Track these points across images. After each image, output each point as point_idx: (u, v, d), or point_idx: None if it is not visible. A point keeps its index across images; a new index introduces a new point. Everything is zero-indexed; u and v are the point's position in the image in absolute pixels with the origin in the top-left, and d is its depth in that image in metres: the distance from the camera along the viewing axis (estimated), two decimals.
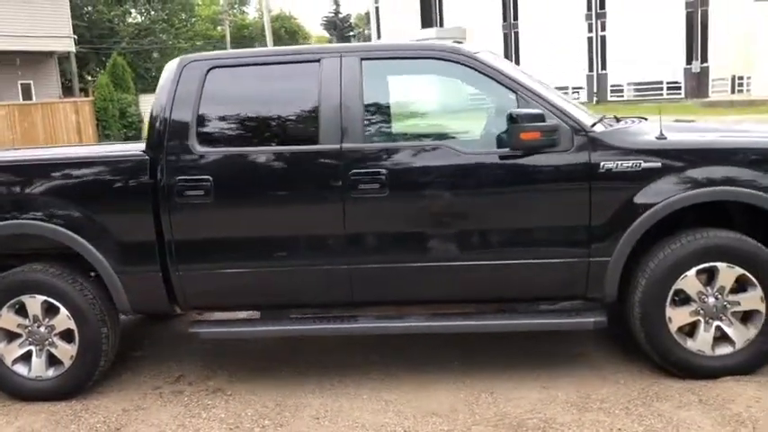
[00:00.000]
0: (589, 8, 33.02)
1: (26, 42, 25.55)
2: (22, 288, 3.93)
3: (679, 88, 30.53)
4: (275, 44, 38.34)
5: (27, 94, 27.19)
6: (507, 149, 3.68)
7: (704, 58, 30.10)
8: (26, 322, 3.96)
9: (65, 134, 21.99)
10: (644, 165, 3.63)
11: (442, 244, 3.79)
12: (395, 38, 33.04)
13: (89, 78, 37.94)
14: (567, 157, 3.67)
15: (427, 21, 38.07)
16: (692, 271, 3.66)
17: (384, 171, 3.72)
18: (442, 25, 37.05)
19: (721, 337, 3.72)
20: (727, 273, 3.65)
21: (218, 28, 52.09)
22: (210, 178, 3.79)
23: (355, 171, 3.72)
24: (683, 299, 3.71)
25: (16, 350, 3.99)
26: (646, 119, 4.33)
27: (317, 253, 3.82)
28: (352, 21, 67.31)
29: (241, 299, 4.00)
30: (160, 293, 3.92)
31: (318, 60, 3.88)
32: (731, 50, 28.10)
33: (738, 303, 3.69)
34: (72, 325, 3.92)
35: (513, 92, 3.78)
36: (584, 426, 3.37)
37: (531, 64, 33.03)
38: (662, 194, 3.61)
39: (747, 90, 28.23)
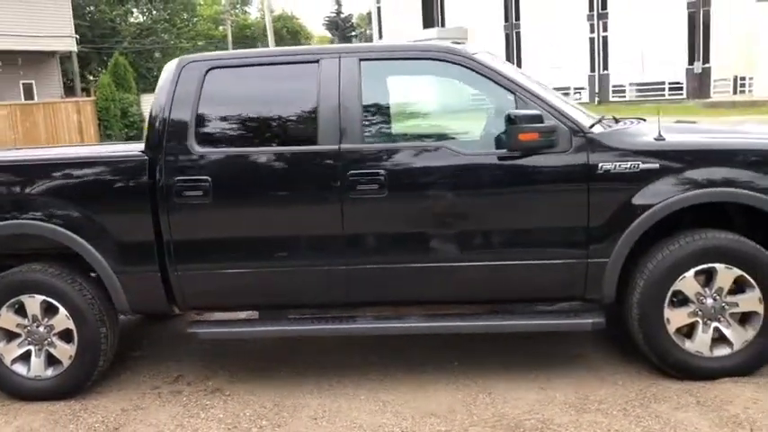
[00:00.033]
0: (591, 8, 33.00)
1: (28, 42, 25.59)
2: (22, 288, 3.94)
3: (681, 89, 30.49)
4: (277, 44, 38.36)
5: (29, 93, 27.23)
6: (505, 150, 3.68)
7: (706, 59, 30.07)
8: (25, 322, 3.97)
9: (66, 134, 22.02)
10: (642, 166, 3.63)
11: (441, 245, 3.79)
12: (396, 38, 33.06)
13: (91, 78, 38.00)
14: (566, 158, 3.67)
15: (429, 21, 38.08)
16: (691, 272, 3.66)
17: (382, 172, 3.72)
18: (443, 25, 37.06)
19: (719, 339, 3.72)
20: (726, 274, 3.65)
21: (220, 28, 52.13)
22: (209, 179, 3.80)
23: (354, 172, 3.73)
24: (681, 300, 3.71)
25: (15, 350, 4.00)
26: (644, 120, 4.33)
27: (316, 253, 3.83)
28: (353, 21, 67.31)
29: (239, 299, 4.00)
30: (159, 293, 3.92)
31: (317, 61, 3.88)
32: (733, 51, 28.07)
33: (737, 305, 3.68)
34: (71, 325, 3.93)
35: (512, 93, 3.78)
36: (581, 427, 3.37)
37: (532, 64, 33.05)
38: (660, 195, 3.61)
39: (749, 91, 28.20)
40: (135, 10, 44.64)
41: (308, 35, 60.68)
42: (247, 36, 52.16)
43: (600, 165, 3.64)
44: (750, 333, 3.70)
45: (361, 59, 3.87)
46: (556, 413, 3.52)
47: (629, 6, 30.66)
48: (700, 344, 3.71)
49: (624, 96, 31.48)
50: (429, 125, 4.78)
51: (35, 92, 27.47)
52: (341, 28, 65.76)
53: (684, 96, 29.83)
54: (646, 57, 29.82)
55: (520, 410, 3.57)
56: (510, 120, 3.60)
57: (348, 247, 3.79)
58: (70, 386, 3.99)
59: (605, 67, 32.81)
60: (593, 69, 33.16)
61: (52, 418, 3.80)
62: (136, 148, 4.14)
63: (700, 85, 29.94)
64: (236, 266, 3.86)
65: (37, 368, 3.98)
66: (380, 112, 4.10)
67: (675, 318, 3.70)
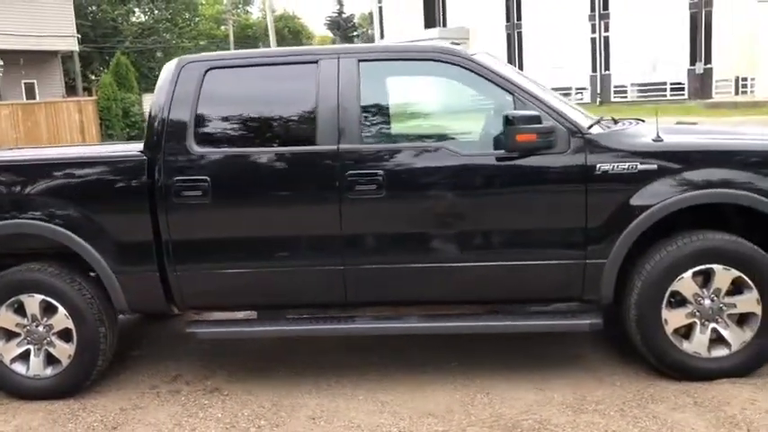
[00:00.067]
0: (592, 9, 32.97)
1: (30, 41, 25.64)
2: (21, 287, 3.95)
3: (682, 89, 30.48)
4: (279, 44, 38.39)
5: (31, 93, 27.29)
6: (503, 151, 3.68)
7: (708, 59, 30.05)
8: (25, 321, 3.98)
9: (68, 133, 22.05)
10: (640, 167, 3.64)
11: (439, 245, 3.80)
12: (398, 38, 33.06)
13: (93, 78, 38.06)
14: (564, 159, 3.67)
15: (430, 21, 38.08)
16: (689, 273, 3.66)
17: (381, 172, 3.73)
18: (445, 25, 37.06)
19: (717, 340, 3.72)
20: (724, 275, 3.65)
21: (222, 27, 52.20)
22: (208, 179, 3.80)
23: (352, 172, 3.73)
24: (679, 301, 3.71)
25: (15, 349, 4.01)
26: (643, 121, 4.33)
27: (314, 253, 3.84)
28: (355, 21, 67.33)
29: (238, 299, 4.01)
30: (157, 293, 3.93)
31: (316, 62, 3.89)
32: (735, 51, 28.05)
33: (734, 306, 3.69)
34: (70, 324, 3.94)
35: (510, 93, 3.79)
36: (578, 427, 3.38)
37: (534, 64, 33.05)
38: (658, 196, 3.62)
39: (751, 91, 28.17)
40: (137, 9, 44.73)
41: (310, 35, 60.75)
42: (249, 36, 52.22)
43: (598, 166, 3.65)
44: (748, 334, 3.70)
45: (359, 60, 3.88)
46: (553, 413, 3.52)
47: (631, 6, 30.64)
48: (697, 345, 3.71)
49: (626, 97, 31.46)
50: (427, 126, 4.79)
51: (37, 91, 27.52)
52: (342, 28, 65.78)
53: (686, 97, 29.81)
54: (648, 57, 29.80)
55: (517, 411, 3.57)
56: (508, 120, 3.60)
57: (346, 247, 3.80)
58: (69, 385, 4.00)
59: (607, 68, 32.79)
60: (594, 70, 33.14)
61: (51, 417, 3.81)
62: (135, 148, 4.15)
63: (701, 85, 29.92)
64: (235, 266, 3.87)
65: (36, 367, 3.99)
66: (379, 112, 4.10)
67: (673, 319, 3.71)
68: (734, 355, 3.71)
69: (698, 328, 3.71)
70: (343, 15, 66.58)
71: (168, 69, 4.02)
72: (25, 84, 27.30)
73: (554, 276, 3.77)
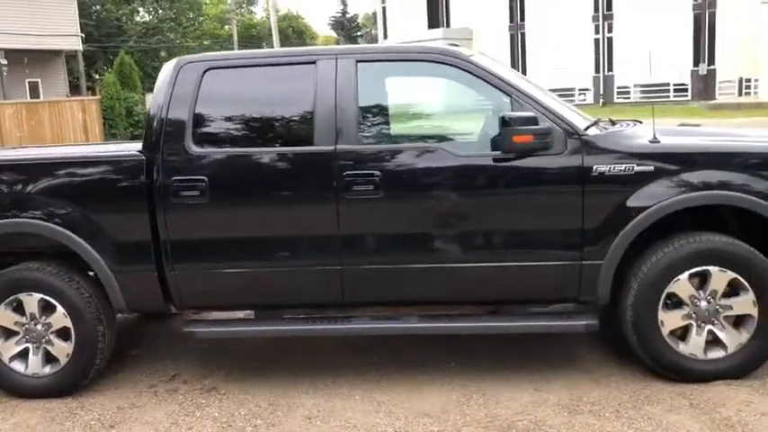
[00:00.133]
0: (596, 10, 32.96)
1: (34, 41, 25.73)
2: (20, 286, 3.97)
3: (686, 90, 30.44)
4: (282, 44, 38.40)
5: (34, 92, 27.37)
6: (500, 152, 3.69)
7: (711, 61, 30.00)
8: (23, 320, 4.00)
9: (71, 133, 22.09)
10: (637, 168, 3.64)
11: (436, 246, 3.80)
12: (401, 38, 33.06)
13: (96, 77, 38.14)
14: (560, 161, 3.68)
15: (434, 21, 38.09)
16: (685, 275, 3.67)
17: (378, 173, 3.74)
18: (448, 26, 37.07)
19: (713, 341, 3.73)
20: (720, 277, 3.65)
21: (226, 27, 52.27)
22: (206, 179, 3.82)
23: (349, 172, 3.74)
24: (675, 302, 3.72)
25: (13, 347, 4.03)
26: (641, 122, 4.33)
27: (312, 253, 3.85)
28: (359, 21, 67.36)
29: (236, 299, 4.02)
30: (156, 293, 3.95)
31: (314, 62, 3.90)
32: (738, 52, 28.00)
33: (731, 307, 3.69)
34: (68, 323, 3.95)
35: (507, 95, 3.79)
36: (573, 428, 3.38)
37: (537, 65, 33.06)
38: (654, 198, 3.62)
39: (755, 92, 28.13)
40: (141, 9, 44.83)
41: (314, 35, 60.78)
42: (253, 36, 52.30)
43: (595, 167, 3.65)
44: (744, 336, 3.70)
45: (357, 61, 3.89)
46: (548, 414, 3.53)
47: (635, 7, 30.61)
48: (694, 346, 3.72)
49: (629, 98, 31.43)
50: (425, 126, 4.80)
51: (41, 90, 27.61)
52: (346, 28, 65.83)
53: (689, 98, 29.78)
54: (651, 58, 29.77)
55: (513, 411, 3.58)
56: (504, 122, 3.61)
57: (344, 247, 3.81)
58: (67, 384, 4.02)
59: (610, 69, 32.77)
60: (597, 70, 33.13)
61: (49, 415, 3.83)
62: (134, 148, 4.16)
63: (705, 86, 29.88)
64: (233, 266, 3.89)
65: (35, 366, 4.01)
66: (377, 113, 4.11)
67: (669, 320, 3.71)
68: (730, 357, 3.71)
69: (694, 329, 3.72)
70: (347, 15, 66.64)
71: (167, 69, 4.04)
72: (29, 83, 27.39)
73: (550, 277, 3.77)
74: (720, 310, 3.69)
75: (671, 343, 3.72)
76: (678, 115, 18.59)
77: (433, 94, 4.78)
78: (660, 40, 29.59)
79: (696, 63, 30.36)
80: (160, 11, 44.86)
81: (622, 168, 3.64)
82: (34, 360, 4.01)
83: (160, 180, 3.84)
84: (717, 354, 3.72)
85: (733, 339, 3.70)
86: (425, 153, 3.81)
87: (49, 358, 4.02)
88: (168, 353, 4.67)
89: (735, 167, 3.67)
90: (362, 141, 3.85)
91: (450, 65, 3.84)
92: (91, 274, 4.05)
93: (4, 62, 24.90)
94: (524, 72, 33.33)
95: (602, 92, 32.69)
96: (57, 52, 27.99)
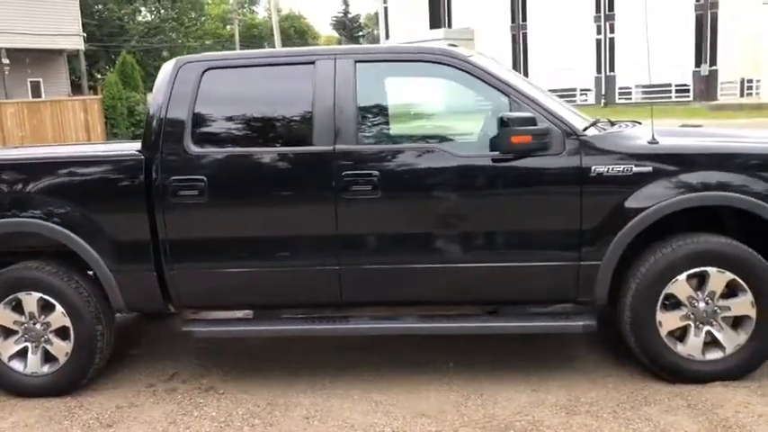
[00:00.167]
0: (598, 10, 32.95)
1: (35, 40, 25.75)
2: (19, 285, 3.98)
3: (688, 91, 30.42)
4: (284, 44, 38.45)
5: (36, 91, 27.40)
6: (498, 153, 3.69)
7: (713, 61, 29.98)
8: (22, 319, 4.01)
9: (73, 132, 22.11)
10: (635, 169, 3.64)
11: (435, 246, 3.81)
12: (404, 38, 33.07)
13: (98, 76, 38.16)
14: (559, 161, 3.68)
15: (436, 21, 38.10)
16: (683, 275, 3.67)
17: (377, 173, 3.74)
18: (450, 26, 37.07)
19: (711, 342, 3.72)
20: (718, 278, 3.65)
21: (228, 27, 52.30)
22: (205, 178, 3.82)
23: (348, 173, 3.75)
24: (673, 303, 3.72)
25: (12, 346, 4.04)
26: (640, 123, 4.33)
27: (310, 253, 3.85)
28: (361, 21, 67.36)
29: (233, 298, 4.03)
30: (154, 292, 3.95)
31: (313, 62, 3.91)
32: (740, 53, 27.98)
33: (729, 308, 3.69)
34: (67, 322, 3.96)
35: (506, 95, 3.79)
36: (571, 428, 3.39)
37: (539, 65, 33.05)
38: (652, 199, 3.62)
39: (756, 93, 28.11)
40: (143, 9, 44.86)
41: (316, 35, 60.82)
42: (255, 35, 52.33)
43: (593, 167, 3.65)
44: (742, 337, 3.70)
45: (356, 61, 3.89)
46: (546, 415, 3.53)
47: (636, 8, 30.57)
48: (692, 347, 3.72)
49: (630, 98, 31.41)
50: (424, 127, 4.81)
51: (42, 90, 27.64)
52: (348, 28, 65.83)
53: (691, 99, 29.76)
54: (652, 59, 29.71)
55: (510, 412, 3.58)
56: (503, 122, 3.61)
57: (342, 247, 3.81)
58: (66, 383, 4.03)
59: (612, 69, 32.75)
60: (599, 71, 33.11)
61: (47, 414, 3.84)
62: (133, 148, 4.17)
63: (707, 87, 29.86)
64: (231, 266, 3.89)
65: (33, 365, 4.02)
66: (376, 113, 4.11)
67: (667, 321, 3.71)
68: (728, 358, 3.71)
69: (692, 330, 3.72)
70: (349, 15, 66.63)
71: (166, 69, 4.05)
72: (31, 82, 27.42)
73: (549, 278, 3.77)
74: (718, 310, 3.69)
75: (669, 344, 3.72)
76: (680, 116, 18.58)
77: (432, 94, 4.78)
78: (662, 40, 29.52)
79: (698, 64, 30.34)
80: (162, 10, 44.89)
81: (621, 169, 3.64)
82: (33, 359, 4.02)
83: (159, 180, 3.85)
84: (715, 355, 3.72)
85: (731, 340, 3.70)
86: (424, 153, 3.81)
87: (48, 357, 4.03)
88: (167, 352, 4.67)
89: (733, 168, 3.67)
90: (361, 141, 3.85)
91: (449, 65, 3.84)
92: (90, 273, 4.06)
93: (6, 61, 24.93)
94: (526, 72, 33.35)
95: (603, 92, 32.68)
96: (59, 52, 28.02)
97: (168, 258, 3.89)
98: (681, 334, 3.74)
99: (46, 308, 3.98)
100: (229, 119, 4.05)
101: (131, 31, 41.26)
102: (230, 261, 3.90)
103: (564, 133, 3.70)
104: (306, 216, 3.84)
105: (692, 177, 3.65)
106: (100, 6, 40.42)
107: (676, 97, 30.08)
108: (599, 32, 33.07)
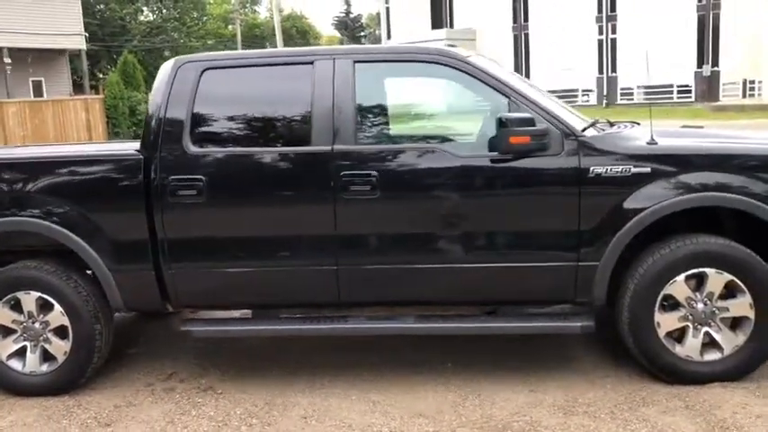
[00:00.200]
0: (600, 10, 32.93)
1: (37, 40, 25.77)
2: (17, 284, 3.98)
3: (690, 92, 30.39)
4: (286, 44, 38.46)
5: (38, 90, 27.43)
6: (497, 153, 3.69)
7: (715, 62, 29.95)
8: (21, 318, 4.01)
9: (75, 131, 22.13)
10: (634, 170, 3.64)
11: (433, 246, 3.80)
12: (406, 39, 33.09)
13: (100, 76, 38.20)
14: (557, 162, 3.68)
15: (437, 22, 38.11)
16: (681, 276, 3.66)
17: (375, 173, 3.74)
18: (452, 26, 37.08)
19: (710, 343, 3.72)
20: (717, 279, 3.65)
21: (230, 27, 52.33)
22: (203, 178, 3.83)
23: (347, 173, 3.75)
24: (671, 304, 3.71)
25: (11, 345, 4.04)
26: (638, 123, 4.33)
27: (308, 253, 3.85)
28: (363, 21, 67.36)
29: (232, 298, 4.03)
30: (153, 291, 3.96)
31: (312, 63, 3.91)
32: (742, 54, 27.95)
33: (727, 309, 3.69)
34: (66, 321, 3.97)
35: (505, 96, 3.79)
36: (568, 429, 3.38)
37: (540, 66, 33.04)
38: (651, 200, 3.62)
39: (758, 94, 28.09)
40: (145, 8, 44.89)
41: (318, 35, 60.85)
42: (256, 35, 52.34)
43: (591, 168, 3.65)
44: (740, 338, 3.70)
45: (355, 61, 3.89)
46: (544, 415, 3.53)
47: (639, 9, 30.56)
48: (690, 348, 3.72)
49: (632, 99, 31.39)
50: (422, 127, 4.81)
51: (44, 89, 27.67)
52: (350, 28, 65.82)
53: (693, 99, 29.73)
54: (654, 60, 29.72)
55: (508, 412, 3.58)
56: (501, 123, 3.61)
57: (340, 247, 3.81)
58: (64, 382, 4.03)
59: (614, 70, 32.73)
60: (601, 71, 33.09)
61: (46, 413, 3.84)
62: (132, 147, 4.18)
63: (709, 88, 29.83)
64: (229, 265, 3.89)
65: (32, 364, 4.03)
66: (374, 113, 4.12)
67: (666, 322, 3.71)
68: (726, 359, 3.71)
69: (690, 331, 3.71)
70: (351, 15, 66.62)
71: (165, 69, 4.05)
72: (33, 81, 27.44)
73: (547, 278, 3.77)
74: (717, 311, 3.68)
75: (667, 344, 3.72)
76: (681, 117, 18.56)
77: (431, 94, 4.78)
78: (664, 41, 29.52)
79: (700, 64, 30.31)
80: (164, 10, 44.92)
81: (619, 170, 3.64)
82: (32, 358, 4.03)
83: (158, 179, 3.85)
84: (713, 356, 3.72)
85: (729, 341, 3.70)
86: (423, 153, 3.81)
87: (47, 356, 4.03)
88: (167, 352, 4.68)
89: (731, 169, 3.67)
90: (360, 141, 3.85)
91: (448, 65, 3.84)
92: (89, 272, 4.06)
93: (8, 61, 24.96)
94: (527, 73, 33.35)
95: (605, 93, 32.65)
96: (60, 51, 28.05)
97: (167, 258, 3.90)
98: (679, 335, 3.74)
99: (44, 307, 3.99)
100: (228, 119, 4.06)
101: (133, 31, 41.28)
102: (229, 261, 3.90)
103: (562, 134, 3.69)
104: (304, 216, 3.85)
105: (691, 178, 3.64)
106: (102, 6, 40.46)
107: (678, 98, 30.05)
108: (601, 33, 33.05)
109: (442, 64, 3.84)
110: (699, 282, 3.68)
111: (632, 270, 3.73)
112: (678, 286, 3.67)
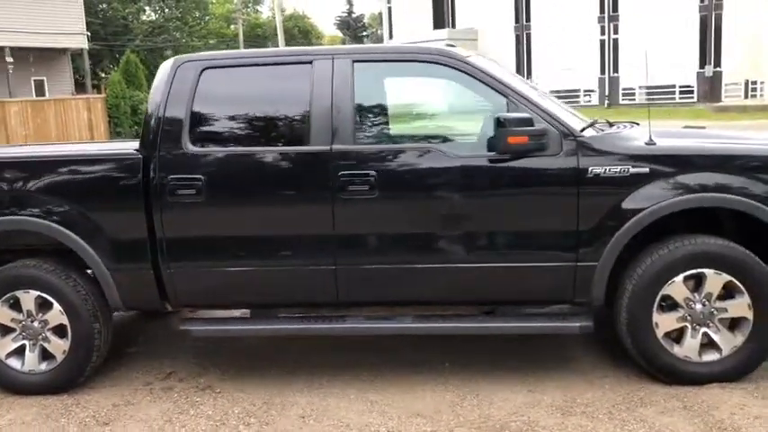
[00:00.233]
0: (602, 11, 32.87)
1: (39, 39, 25.79)
2: (17, 283, 3.99)
3: (692, 92, 30.33)
4: (288, 43, 38.48)
5: (40, 90, 27.46)
6: (495, 153, 3.69)
7: (717, 63, 29.90)
8: (20, 317, 4.02)
9: (77, 131, 22.16)
10: (632, 170, 3.63)
11: (431, 246, 3.80)
12: (408, 38, 33.08)
13: (102, 75, 38.25)
14: (556, 162, 3.68)
15: (439, 22, 38.08)
16: (680, 277, 3.66)
17: (374, 173, 3.74)
18: (454, 26, 37.06)
19: (708, 344, 3.72)
20: (715, 279, 3.65)
21: (232, 27, 52.34)
22: (202, 177, 3.83)
23: (345, 172, 3.75)
24: (670, 305, 3.71)
25: (10, 344, 4.05)
26: (638, 124, 4.33)
27: (307, 253, 3.85)
28: (365, 21, 67.35)
29: (230, 297, 4.04)
30: (151, 291, 3.96)
31: (311, 62, 3.91)
32: (744, 55, 27.90)
33: (725, 310, 3.68)
34: (65, 320, 3.97)
35: (504, 96, 3.79)
36: (566, 429, 3.38)
37: (542, 66, 33.01)
38: (649, 200, 3.62)
39: (761, 95, 28.04)
40: (147, 8, 44.92)
41: (320, 35, 60.84)
42: (259, 35, 52.34)
43: (590, 168, 3.65)
44: (739, 339, 3.69)
45: (354, 61, 3.89)
46: (541, 415, 3.53)
47: (641, 9, 30.51)
48: (688, 349, 3.71)
49: (634, 99, 31.34)
50: (421, 127, 4.81)
51: (46, 88, 27.69)
52: (352, 28, 65.82)
53: (695, 100, 29.68)
54: (656, 60, 29.68)
55: (506, 412, 3.58)
56: (499, 123, 3.61)
57: (339, 247, 3.82)
58: (63, 381, 4.04)
59: (615, 70, 32.68)
60: (603, 72, 33.03)
61: (44, 412, 3.85)
62: (131, 147, 4.18)
63: (711, 88, 29.78)
64: (228, 265, 3.90)
65: (31, 362, 4.03)
66: (373, 113, 4.12)
67: (664, 322, 3.71)
68: (724, 360, 3.71)
69: (689, 332, 3.71)
70: (353, 15, 66.62)
71: (164, 69, 4.05)
72: (35, 81, 27.47)
73: (545, 278, 3.77)
74: (715, 312, 3.68)
75: (665, 345, 3.72)
76: (683, 117, 18.56)
77: (430, 94, 4.78)
78: (666, 41, 29.47)
79: (702, 65, 30.26)
80: (166, 10, 44.94)
81: (618, 170, 3.64)
82: (30, 357, 4.03)
83: (157, 179, 3.86)
84: (711, 356, 3.72)
85: (728, 342, 3.70)
86: (421, 153, 3.81)
87: (46, 355, 4.04)
88: (166, 351, 4.68)
89: (730, 170, 3.66)
90: (358, 141, 3.85)
91: (447, 65, 3.84)
92: (88, 271, 4.07)
93: (10, 60, 24.98)
94: (529, 73, 33.34)
95: (607, 93, 32.60)
96: (62, 50, 28.06)
97: (166, 257, 3.90)
98: (677, 335, 3.74)
99: (43, 306, 3.99)
100: (227, 118, 4.06)
101: (135, 31, 41.31)
102: (227, 260, 3.90)
103: (561, 134, 3.69)
104: (303, 216, 3.85)
105: (690, 179, 3.64)
106: (104, 5, 40.49)
107: (680, 98, 30.00)
108: (603, 33, 33.00)
109: (441, 64, 3.85)
110: (697, 282, 3.68)
111: (631, 270, 3.73)
112: (676, 287, 3.67)
